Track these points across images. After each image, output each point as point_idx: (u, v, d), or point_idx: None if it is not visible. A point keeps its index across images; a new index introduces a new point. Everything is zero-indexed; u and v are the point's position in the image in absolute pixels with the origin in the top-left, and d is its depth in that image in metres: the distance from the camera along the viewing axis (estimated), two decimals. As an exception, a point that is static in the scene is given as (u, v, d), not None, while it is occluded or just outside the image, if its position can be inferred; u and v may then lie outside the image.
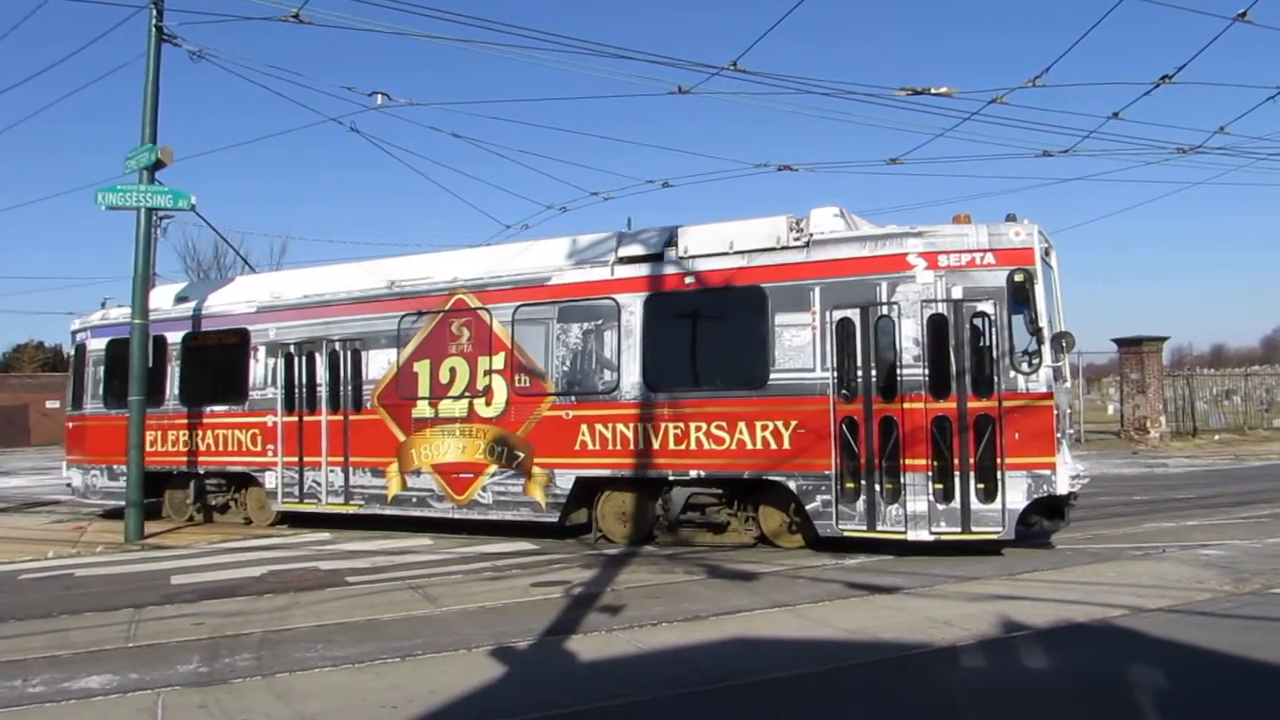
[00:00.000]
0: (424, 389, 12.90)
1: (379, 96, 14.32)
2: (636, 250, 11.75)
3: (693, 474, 11.12)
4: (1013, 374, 9.91)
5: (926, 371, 10.08)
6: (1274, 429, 33.16)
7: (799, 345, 10.62)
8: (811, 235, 10.82)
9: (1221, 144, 14.32)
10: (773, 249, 10.92)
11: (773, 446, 10.67)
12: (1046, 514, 10.13)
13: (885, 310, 10.29)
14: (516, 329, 12.30)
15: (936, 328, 10.14)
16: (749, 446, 10.79)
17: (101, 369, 15.81)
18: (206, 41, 15.04)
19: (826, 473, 10.38)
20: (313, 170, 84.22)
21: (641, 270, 11.62)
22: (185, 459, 14.90)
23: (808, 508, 10.48)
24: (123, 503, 15.49)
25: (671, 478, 11.27)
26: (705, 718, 5.62)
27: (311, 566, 11.09)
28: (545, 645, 7.13)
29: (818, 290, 10.58)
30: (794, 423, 10.57)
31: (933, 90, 12.64)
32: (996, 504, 9.82)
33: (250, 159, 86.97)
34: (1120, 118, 13.09)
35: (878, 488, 10.20)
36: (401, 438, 13.02)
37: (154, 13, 13.73)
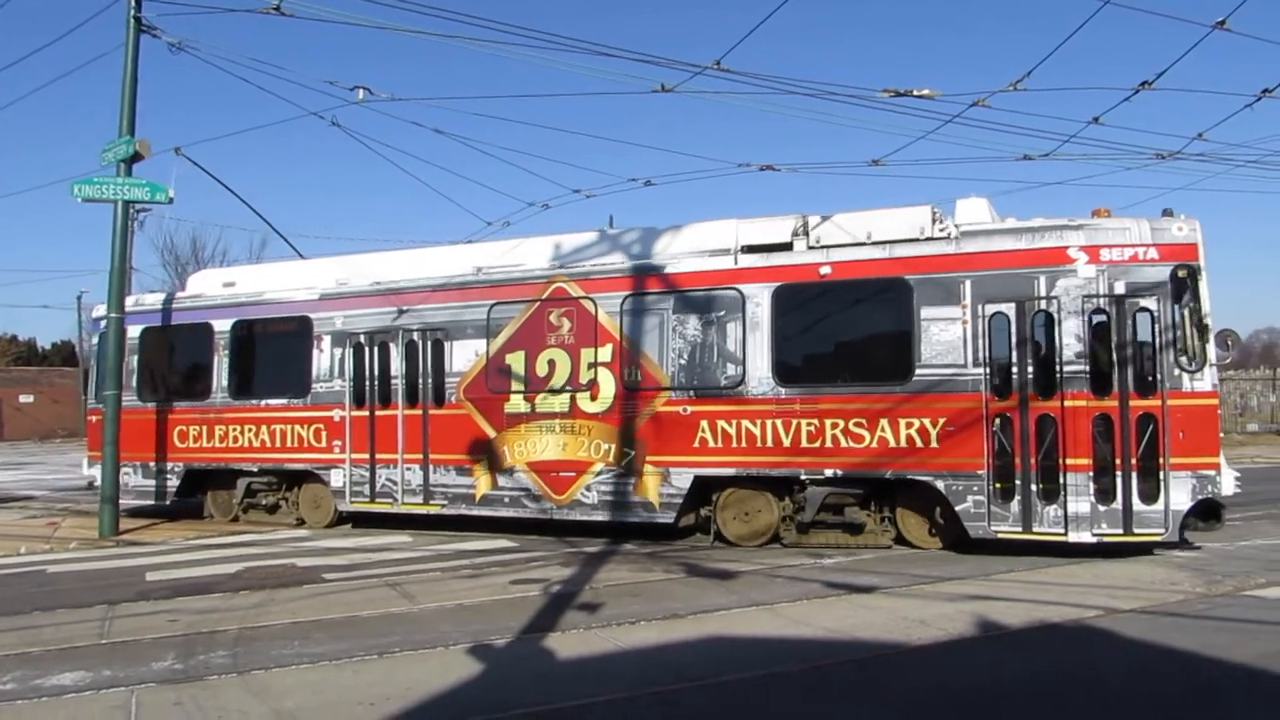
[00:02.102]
0: (518, 382, 12.16)
1: (360, 91, 13.82)
2: (763, 239, 11.23)
3: (828, 473, 10.65)
4: (1176, 372, 9.69)
5: (1088, 368, 9.80)
6: (1248, 434, 34.12)
7: (948, 340, 10.24)
8: (958, 226, 10.47)
9: (1200, 150, 14.42)
10: (915, 240, 10.55)
11: (918, 445, 10.26)
12: (1201, 516, 9.92)
13: (1043, 305, 9.97)
14: (625, 320, 11.66)
15: (1098, 323, 9.87)
16: (891, 445, 10.36)
17: (135, 359, 14.64)
18: (186, 33, 14.50)
19: (979, 472, 10.01)
20: (293, 165, 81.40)
21: (769, 260, 11.10)
22: (235, 455, 13.86)
23: (958, 509, 10.10)
24: (157, 502, 14.52)
25: (804, 477, 10.78)
26: (683, 716, 5.52)
27: (288, 563, 10.85)
28: (523, 643, 7.03)
29: (968, 283, 10.22)
30: (942, 420, 10.18)
31: (915, 92, 12.42)
32: (1159, 505, 9.59)
33: (229, 153, 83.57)
34: (1101, 122, 13.02)
35: (1034, 488, 9.88)
36: (491, 434, 12.26)
37: (132, 2, 13.13)
